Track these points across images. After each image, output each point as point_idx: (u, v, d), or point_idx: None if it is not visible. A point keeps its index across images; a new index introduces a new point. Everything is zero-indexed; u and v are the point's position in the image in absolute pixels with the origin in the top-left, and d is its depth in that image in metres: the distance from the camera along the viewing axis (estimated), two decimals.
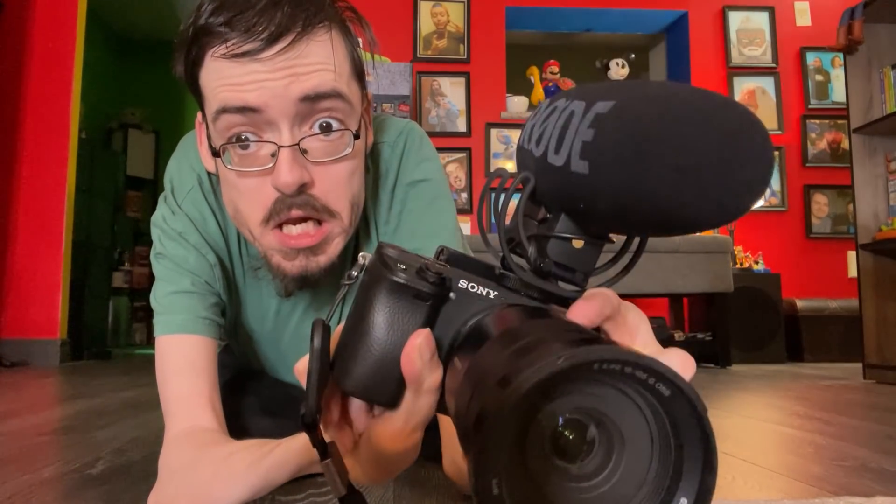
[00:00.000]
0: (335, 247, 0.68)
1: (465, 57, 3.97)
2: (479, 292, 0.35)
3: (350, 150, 0.65)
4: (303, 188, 0.63)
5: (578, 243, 0.33)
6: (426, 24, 3.97)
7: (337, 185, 0.65)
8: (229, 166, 0.64)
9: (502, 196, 0.36)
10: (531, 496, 0.27)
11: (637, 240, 0.34)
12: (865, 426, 1.34)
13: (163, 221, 0.78)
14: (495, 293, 0.35)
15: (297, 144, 0.62)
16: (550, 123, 0.32)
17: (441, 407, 0.36)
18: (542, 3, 4.11)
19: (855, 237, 2.50)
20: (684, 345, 3.20)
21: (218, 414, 0.71)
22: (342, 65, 0.64)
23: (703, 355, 3.23)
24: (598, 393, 0.27)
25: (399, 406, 0.36)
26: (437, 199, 0.80)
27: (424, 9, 3.97)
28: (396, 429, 0.36)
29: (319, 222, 0.66)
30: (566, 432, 0.28)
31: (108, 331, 4.71)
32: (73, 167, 3.38)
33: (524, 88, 4.13)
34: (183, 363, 0.71)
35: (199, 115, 0.70)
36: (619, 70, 4.15)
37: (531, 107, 4.08)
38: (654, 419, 0.27)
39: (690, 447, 0.26)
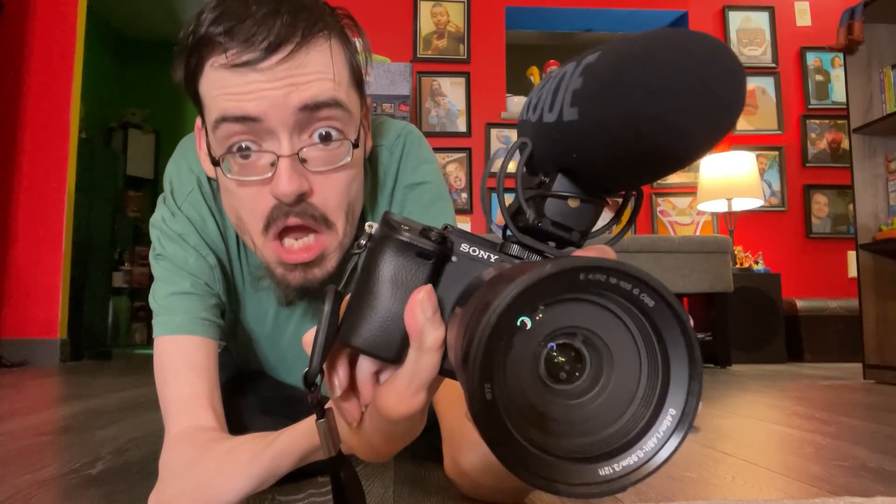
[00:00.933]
0: (331, 261, 0.69)
1: (465, 57, 3.97)
2: (480, 256, 0.36)
3: (349, 159, 0.66)
4: (301, 197, 0.63)
5: (574, 202, 0.34)
6: (426, 24, 3.97)
7: (335, 193, 0.66)
8: (229, 175, 0.64)
9: (500, 162, 0.37)
10: (524, 408, 0.27)
11: (632, 201, 0.36)
12: (865, 426, 1.34)
13: (162, 222, 0.78)
14: (496, 257, 0.36)
15: (297, 154, 0.62)
16: (546, 90, 0.33)
17: (444, 369, 0.36)
18: (542, 3, 4.12)
19: (855, 237, 2.50)
20: None
21: (218, 414, 0.71)
22: (341, 73, 0.65)
23: (704, 355, 3.22)
24: (585, 312, 0.28)
25: (403, 363, 0.37)
26: (435, 202, 0.81)
27: (424, 9, 3.97)
28: (401, 388, 0.37)
29: (316, 232, 0.67)
30: (557, 356, 0.28)
31: (108, 331, 4.71)
32: (73, 167, 3.38)
33: (524, 88, 4.13)
34: (182, 364, 0.71)
35: (199, 120, 0.71)
36: None
37: None
38: (641, 334, 0.28)
39: (676, 358, 0.27)
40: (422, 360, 0.35)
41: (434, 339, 0.35)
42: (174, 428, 0.68)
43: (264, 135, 0.62)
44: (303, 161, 0.63)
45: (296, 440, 0.60)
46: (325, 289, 0.37)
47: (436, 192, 0.81)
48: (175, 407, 0.69)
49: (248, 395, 0.91)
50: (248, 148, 0.62)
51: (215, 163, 0.65)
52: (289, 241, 0.67)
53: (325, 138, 0.64)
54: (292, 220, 0.64)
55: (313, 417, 0.47)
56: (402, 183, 0.81)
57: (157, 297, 0.75)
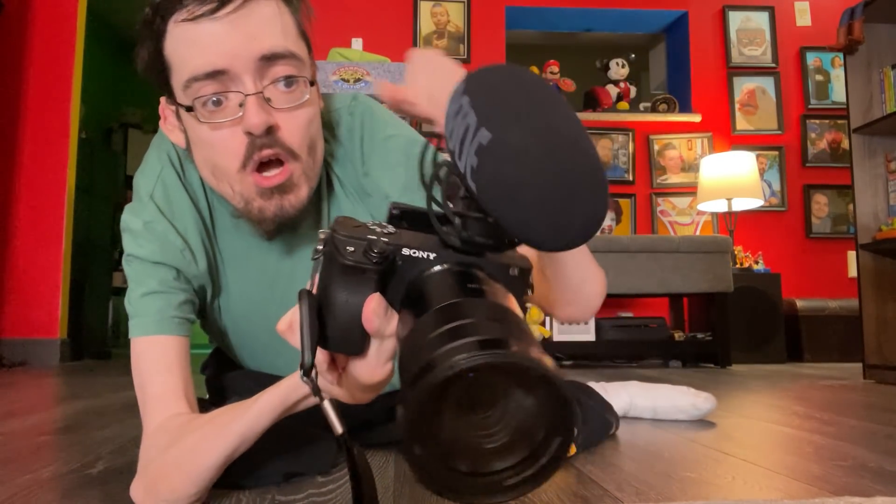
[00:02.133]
0: (302, 190, 0.75)
1: (466, 57, 3.97)
2: (421, 256, 0.41)
3: (308, 96, 0.73)
4: (270, 130, 0.70)
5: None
6: (426, 24, 3.97)
7: (298, 128, 0.73)
8: (202, 121, 0.70)
9: (430, 162, 0.43)
10: (445, 450, 0.33)
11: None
12: (865, 426, 1.34)
13: (129, 217, 0.82)
14: (434, 255, 0.41)
15: (261, 92, 0.69)
16: (458, 126, 0.37)
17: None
18: (542, 3, 4.11)
19: (855, 237, 2.50)
20: (684, 345, 3.20)
21: (192, 404, 0.76)
22: (289, 27, 0.73)
23: (703, 355, 3.23)
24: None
25: (368, 351, 0.46)
26: (412, 147, 0.85)
27: (424, 9, 3.97)
28: (371, 366, 0.47)
29: (284, 163, 0.73)
30: (476, 389, 0.33)
31: (108, 331, 4.71)
32: (73, 167, 3.38)
33: None
34: (155, 363, 0.76)
35: (164, 100, 0.77)
36: (619, 70, 4.15)
37: None
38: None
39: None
40: (383, 345, 0.45)
41: (390, 330, 0.44)
42: (151, 424, 0.74)
43: (230, 83, 0.69)
44: (267, 100, 0.70)
45: (276, 397, 0.65)
46: (298, 292, 0.43)
47: (409, 139, 0.86)
48: (152, 405, 0.75)
49: (233, 396, 0.91)
50: (218, 100, 0.69)
51: (189, 109, 0.70)
52: (267, 173, 0.73)
53: (284, 81, 0.71)
54: (266, 152, 0.70)
55: (294, 376, 0.62)
56: (375, 137, 0.86)
57: (131, 300, 0.79)
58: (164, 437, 0.71)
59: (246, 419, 0.66)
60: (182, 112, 0.72)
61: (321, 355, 0.46)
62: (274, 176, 0.72)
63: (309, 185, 0.76)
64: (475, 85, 0.38)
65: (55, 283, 3.27)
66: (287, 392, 0.64)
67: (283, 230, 0.78)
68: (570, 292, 0.83)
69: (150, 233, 0.80)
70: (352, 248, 0.42)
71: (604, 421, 1.13)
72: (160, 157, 0.85)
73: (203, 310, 0.89)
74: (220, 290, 0.87)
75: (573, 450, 0.95)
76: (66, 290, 3.32)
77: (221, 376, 1.00)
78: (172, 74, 0.72)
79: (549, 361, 0.31)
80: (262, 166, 0.72)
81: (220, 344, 0.99)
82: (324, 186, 0.86)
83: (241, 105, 0.69)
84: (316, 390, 0.45)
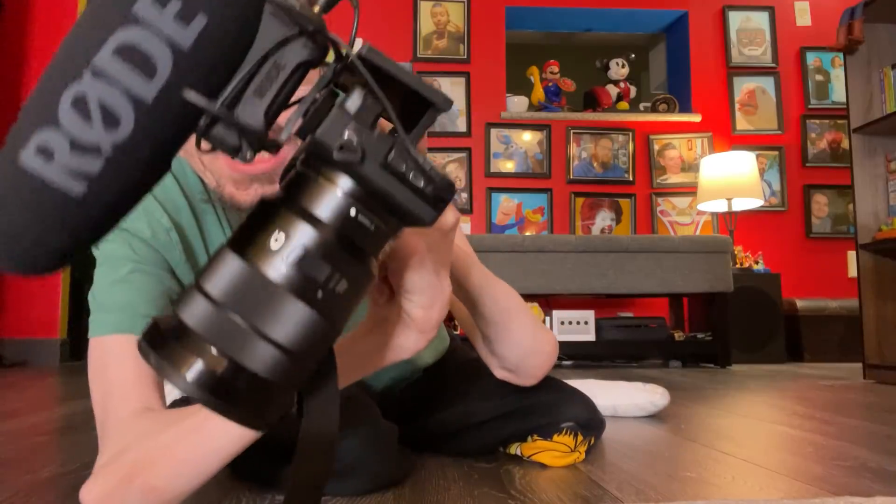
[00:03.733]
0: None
1: (465, 57, 3.97)
2: None
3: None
4: None
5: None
6: (426, 24, 3.97)
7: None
8: None
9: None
10: None
11: None
12: (865, 426, 1.34)
13: None
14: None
15: None
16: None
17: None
18: (542, 3, 4.11)
19: (855, 237, 2.50)
20: (684, 345, 3.20)
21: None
22: None
23: (703, 355, 3.23)
24: None
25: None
26: None
27: (424, 9, 3.97)
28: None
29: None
30: None
31: None
32: None
33: (524, 88, 4.14)
34: (126, 354, 0.65)
35: None
36: (619, 70, 4.15)
37: (531, 107, 4.09)
38: None
39: None
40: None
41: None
42: (121, 411, 0.61)
43: None
44: None
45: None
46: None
47: None
48: (121, 391, 0.62)
49: None
50: None
51: None
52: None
53: None
54: None
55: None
56: None
57: (96, 289, 0.69)
58: (146, 421, 0.60)
59: None
60: None
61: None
62: (259, 160, 0.61)
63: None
64: None
65: (55, 283, 3.27)
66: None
67: None
68: (512, 361, 0.81)
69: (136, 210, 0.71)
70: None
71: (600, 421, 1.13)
72: None
73: None
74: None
75: (581, 455, 0.95)
76: (66, 290, 3.32)
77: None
78: None
79: None
80: None
81: None
82: None
83: None
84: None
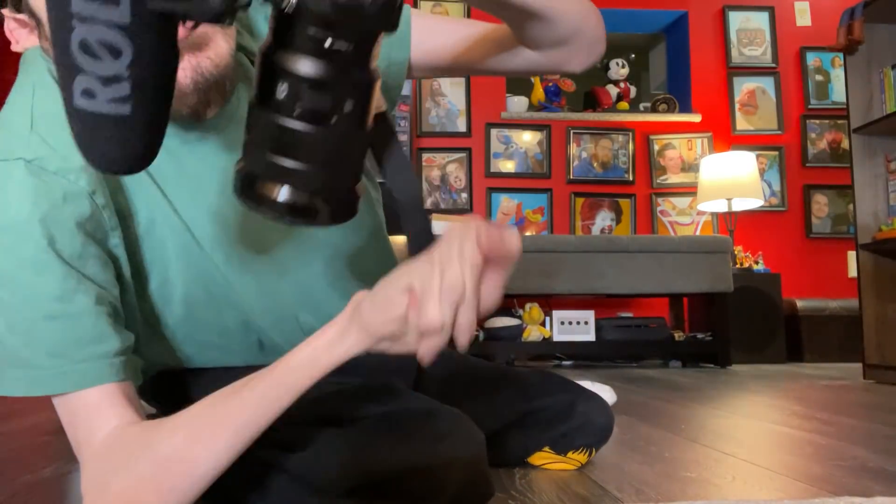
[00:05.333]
0: (220, 43, 0.57)
1: None
2: None
3: None
4: None
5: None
6: None
7: None
8: None
9: None
10: None
11: None
12: (865, 426, 1.34)
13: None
14: None
15: None
16: None
17: None
18: None
19: (855, 237, 2.50)
20: (684, 345, 3.20)
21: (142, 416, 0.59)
22: None
23: (703, 355, 3.23)
24: None
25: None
26: None
27: (424, 9, 3.97)
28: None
29: None
30: None
31: None
32: None
33: (524, 88, 4.13)
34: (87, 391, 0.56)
35: (7, 19, 0.61)
36: (619, 70, 4.15)
37: (531, 107, 4.09)
38: None
39: None
40: None
41: None
42: (92, 442, 0.55)
43: None
44: None
45: (324, 341, 0.50)
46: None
47: None
48: (86, 416, 0.55)
49: None
50: None
51: None
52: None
53: None
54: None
55: (341, 318, 0.51)
56: None
57: (28, 334, 0.54)
58: (119, 450, 0.53)
59: (265, 400, 0.50)
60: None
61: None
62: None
63: (227, 45, 0.58)
64: None
65: None
66: (347, 352, 0.49)
67: (220, 117, 0.62)
68: (564, 36, 0.72)
69: (41, 177, 0.55)
70: None
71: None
72: (30, 77, 0.61)
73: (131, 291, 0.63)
74: (178, 229, 0.65)
75: (584, 458, 0.91)
76: None
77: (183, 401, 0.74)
78: None
79: None
80: None
81: (163, 350, 0.72)
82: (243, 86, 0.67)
83: None
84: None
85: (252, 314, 0.72)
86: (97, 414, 0.55)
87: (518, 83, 4.19)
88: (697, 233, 3.92)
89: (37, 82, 0.60)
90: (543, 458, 0.91)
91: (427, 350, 0.47)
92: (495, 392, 0.89)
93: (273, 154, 0.40)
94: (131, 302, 0.64)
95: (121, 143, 0.40)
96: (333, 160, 0.41)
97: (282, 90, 0.38)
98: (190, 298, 0.68)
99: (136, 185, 0.62)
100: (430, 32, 0.80)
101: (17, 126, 0.57)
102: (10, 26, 0.60)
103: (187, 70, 0.55)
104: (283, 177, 0.40)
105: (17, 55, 0.64)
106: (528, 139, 3.96)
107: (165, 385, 0.76)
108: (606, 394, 1.43)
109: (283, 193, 0.40)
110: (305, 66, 0.38)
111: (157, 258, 0.65)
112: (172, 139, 0.61)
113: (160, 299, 0.67)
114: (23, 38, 0.60)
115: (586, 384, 1.42)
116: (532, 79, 4.14)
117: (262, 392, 0.51)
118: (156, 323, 0.68)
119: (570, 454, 0.90)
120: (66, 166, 0.56)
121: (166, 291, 0.66)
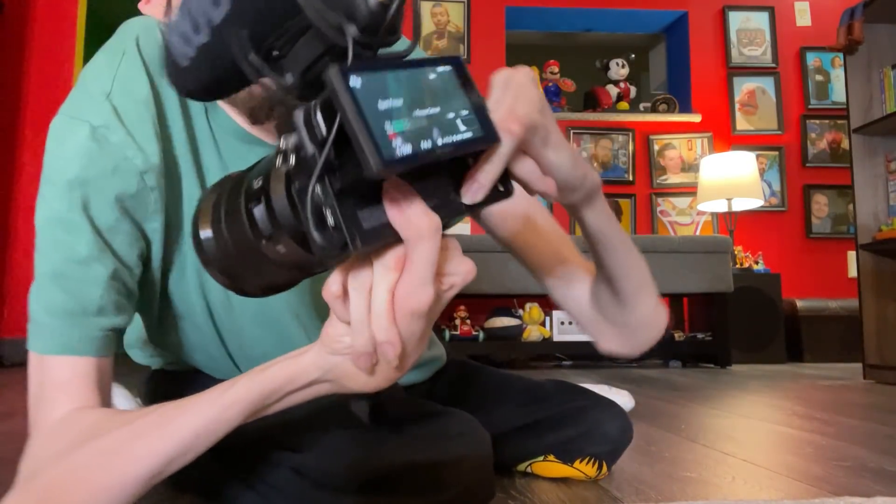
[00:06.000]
0: None
1: (466, 57, 3.97)
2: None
3: None
4: None
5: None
6: (426, 24, 3.97)
7: None
8: None
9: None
10: None
11: None
12: (865, 426, 1.34)
13: (65, 120, 0.56)
14: None
15: None
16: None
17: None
18: (542, 3, 4.11)
19: (855, 237, 2.50)
20: (684, 345, 3.20)
21: (108, 404, 0.58)
22: None
23: (704, 355, 3.22)
24: None
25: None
26: None
27: (424, 9, 3.97)
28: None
29: None
30: None
31: None
32: None
33: None
34: (62, 359, 0.56)
35: None
36: (619, 70, 4.15)
37: None
38: None
39: None
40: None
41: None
42: (47, 418, 0.55)
43: None
44: None
45: (284, 372, 0.45)
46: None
47: None
48: (51, 392, 0.55)
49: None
50: None
51: None
52: None
53: None
54: None
55: (315, 346, 0.44)
56: None
57: (38, 277, 0.56)
58: (66, 434, 0.52)
59: (214, 407, 0.47)
60: None
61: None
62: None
63: None
64: None
65: None
66: (303, 368, 0.45)
67: (271, 131, 0.62)
68: (630, 327, 0.66)
69: (100, 144, 0.55)
70: None
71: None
72: (121, 45, 0.60)
73: (150, 279, 0.63)
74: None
75: (593, 470, 0.84)
76: None
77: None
78: None
79: None
80: None
81: (174, 344, 0.72)
82: None
83: None
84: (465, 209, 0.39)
85: (235, 352, 0.71)
86: (63, 392, 0.54)
87: None
88: (697, 233, 3.92)
89: (128, 51, 0.60)
90: (546, 469, 0.85)
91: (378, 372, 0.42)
92: (505, 395, 0.86)
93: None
94: (153, 283, 0.64)
95: (206, 71, 0.36)
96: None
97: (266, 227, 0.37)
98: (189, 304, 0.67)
99: (190, 184, 0.62)
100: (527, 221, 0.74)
101: (95, 89, 0.57)
102: None
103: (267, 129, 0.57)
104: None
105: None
106: None
107: (162, 385, 0.77)
108: (623, 398, 1.40)
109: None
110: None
111: (187, 260, 0.64)
112: (228, 141, 0.62)
113: (176, 292, 0.66)
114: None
115: (602, 389, 1.39)
116: None
117: (215, 402, 0.48)
118: (166, 308, 0.68)
119: (577, 463, 0.83)
120: (126, 141, 0.56)
121: (183, 287, 0.66)
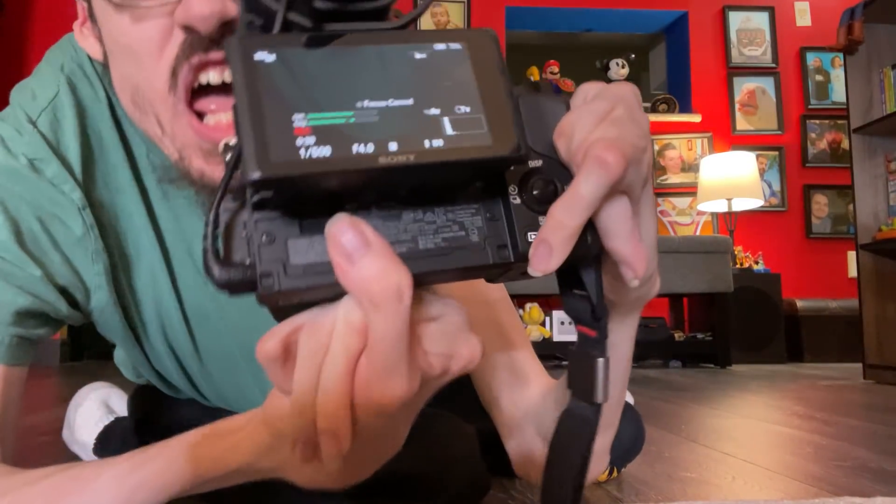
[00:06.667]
0: None
1: None
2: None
3: None
4: (225, 28, 0.42)
5: None
6: (426, 24, 3.97)
7: None
8: (119, 1, 0.44)
9: None
10: None
11: None
12: (865, 426, 1.34)
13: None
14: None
15: None
16: None
17: None
18: (542, 3, 4.11)
19: (855, 237, 2.50)
20: (684, 345, 3.20)
21: (7, 458, 0.50)
22: None
23: (704, 355, 3.22)
24: None
25: None
26: None
27: None
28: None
29: None
30: None
31: None
32: None
33: None
34: None
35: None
36: (619, 70, 4.15)
37: None
38: None
39: None
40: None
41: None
42: None
43: None
44: None
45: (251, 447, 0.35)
46: None
47: None
48: None
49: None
50: None
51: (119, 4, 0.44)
52: (210, 116, 0.46)
53: None
54: (214, 55, 0.43)
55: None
56: None
57: None
58: None
59: (122, 488, 0.37)
60: (95, 1, 0.46)
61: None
62: (228, 125, 0.45)
63: None
64: None
65: None
66: (233, 446, 0.36)
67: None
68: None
69: (34, 172, 0.51)
70: None
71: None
72: (57, 74, 0.56)
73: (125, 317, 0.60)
74: (158, 275, 0.59)
75: (616, 474, 0.84)
76: None
77: (160, 420, 0.73)
78: None
79: None
80: (206, 94, 0.45)
81: (150, 373, 0.71)
82: None
83: None
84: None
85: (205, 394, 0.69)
86: None
87: (518, 83, 4.18)
88: (697, 233, 3.92)
89: (62, 81, 0.56)
90: None
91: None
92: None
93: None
94: (113, 328, 0.61)
95: None
96: None
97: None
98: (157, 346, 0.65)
99: (138, 232, 0.57)
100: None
101: (22, 120, 0.53)
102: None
103: (219, 171, 0.46)
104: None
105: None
106: None
107: (148, 402, 0.77)
108: (626, 396, 1.39)
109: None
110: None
111: (145, 315, 0.61)
112: (175, 197, 0.56)
113: (147, 318, 0.62)
114: (85, 21, 0.54)
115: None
116: (532, 78, 4.14)
117: (123, 481, 0.38)
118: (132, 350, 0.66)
119: None
120: (59, 170, 0.53)
121: (147, 320, 0.62)
